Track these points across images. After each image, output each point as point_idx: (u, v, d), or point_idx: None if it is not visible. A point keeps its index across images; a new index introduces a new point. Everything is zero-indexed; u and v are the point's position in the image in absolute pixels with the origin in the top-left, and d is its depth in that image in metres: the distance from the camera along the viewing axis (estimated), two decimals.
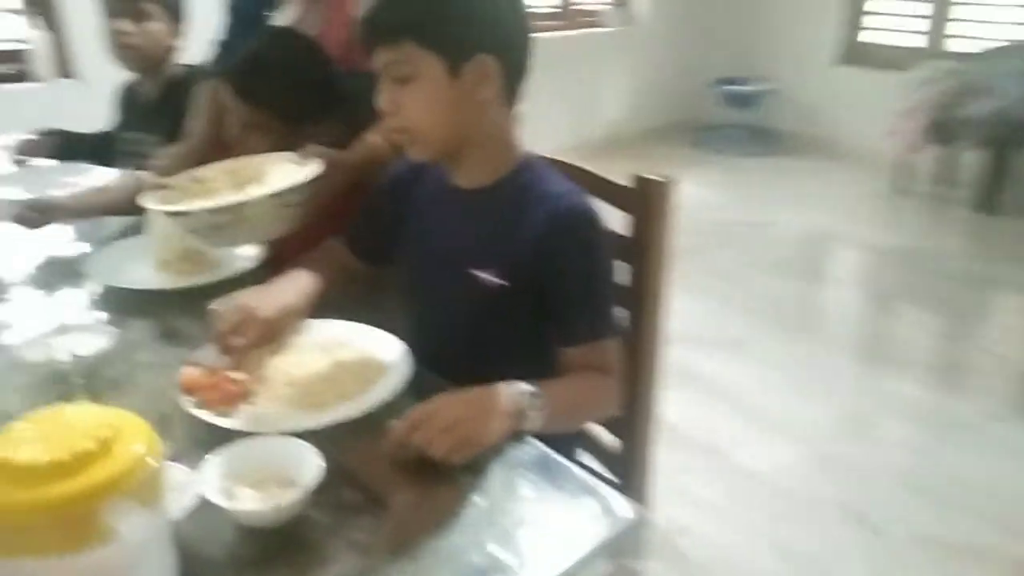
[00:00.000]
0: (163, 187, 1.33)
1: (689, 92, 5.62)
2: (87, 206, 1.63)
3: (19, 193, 1.80)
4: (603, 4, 5.26)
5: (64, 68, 3.14)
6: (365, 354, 1.10)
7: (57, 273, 1.47)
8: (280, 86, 1.44)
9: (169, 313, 1.30)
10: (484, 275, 1.13)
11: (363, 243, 1.32)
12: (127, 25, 1.87)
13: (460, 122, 1.10)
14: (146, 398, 1.01)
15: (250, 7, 1.62)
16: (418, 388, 1.03)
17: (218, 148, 1.55)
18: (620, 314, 1.23)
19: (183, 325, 1.26)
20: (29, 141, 2.06)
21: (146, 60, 1.92)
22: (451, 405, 0.94)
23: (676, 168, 4.76)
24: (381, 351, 1.10)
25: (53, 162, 2.04)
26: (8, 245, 1.58)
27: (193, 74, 1.90)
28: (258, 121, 1.45)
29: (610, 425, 1.34)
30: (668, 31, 5.44)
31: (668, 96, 5.64)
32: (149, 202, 1.28)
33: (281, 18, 1.52)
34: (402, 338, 1.13)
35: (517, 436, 0.97)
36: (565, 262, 1.10)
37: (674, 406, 2.35)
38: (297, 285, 1.18)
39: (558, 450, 0.96)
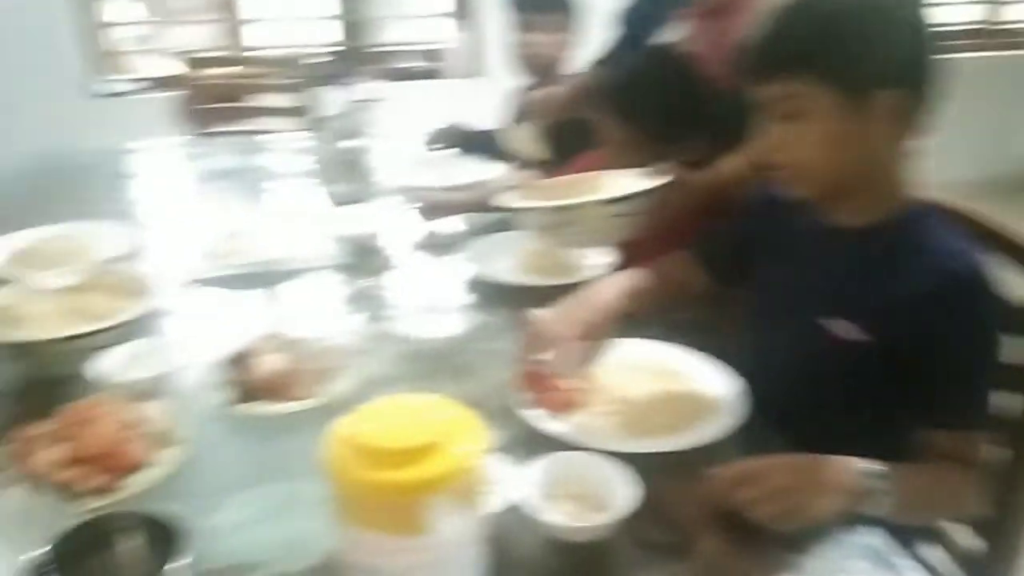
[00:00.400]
0: (522, 188, 1.43)
1: None
2: (465, 203, 1.78)
3: (425, 179, 2.06)
4: None
5: (475, 67, 3.52)
6: (697, 386, 1.06)
7: (436, 252, 1.65)
8: (649, 104, 1.46)
9: (530, 305, 1.38)
10: (838, 327, 1.02)
11: (714, 256, 1.27)
12: (529, 37, 2.04)
13: (851, 161, 0.99)
14: (489, 387, 1.08)
15: (637, 24, 1.65)
16: (746, 435, 0.98)
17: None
18: (1007, 399, 1.05)
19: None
20: (437, 132, 2.34)
21: (541, 68, 2.07)
22: (783, 470, 0.87)
23: None
24: (715, 386, 1.06)
25: (454, 153, 2.29)
26: (401, 220, 1.79)
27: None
28: (627, 136, 1.49)
29: (972, 522, 1.15)
30: None
31: None
32: (507, 200, 1.38)
33: (669, 35, 1.52)
34: (737, 374, 1.07)
35: (850, 518, 0.87)
36: (948, 334, 0.96)
37: None
38: (617, 285, 1.17)
39: (896, 540, 0.85)
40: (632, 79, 1.48)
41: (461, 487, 0.58)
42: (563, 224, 1.31)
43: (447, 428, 0.60)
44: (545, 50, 2.06)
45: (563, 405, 1.03)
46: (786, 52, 0.97)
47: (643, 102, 1.46)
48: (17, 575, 0.73)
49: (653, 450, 0.94)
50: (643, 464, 0.90)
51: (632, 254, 1.47)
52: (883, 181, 1.02)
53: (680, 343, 1.18)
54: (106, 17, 3.21)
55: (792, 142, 1.00)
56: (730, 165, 1.37)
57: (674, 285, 1.26)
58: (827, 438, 0.90)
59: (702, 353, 1.14)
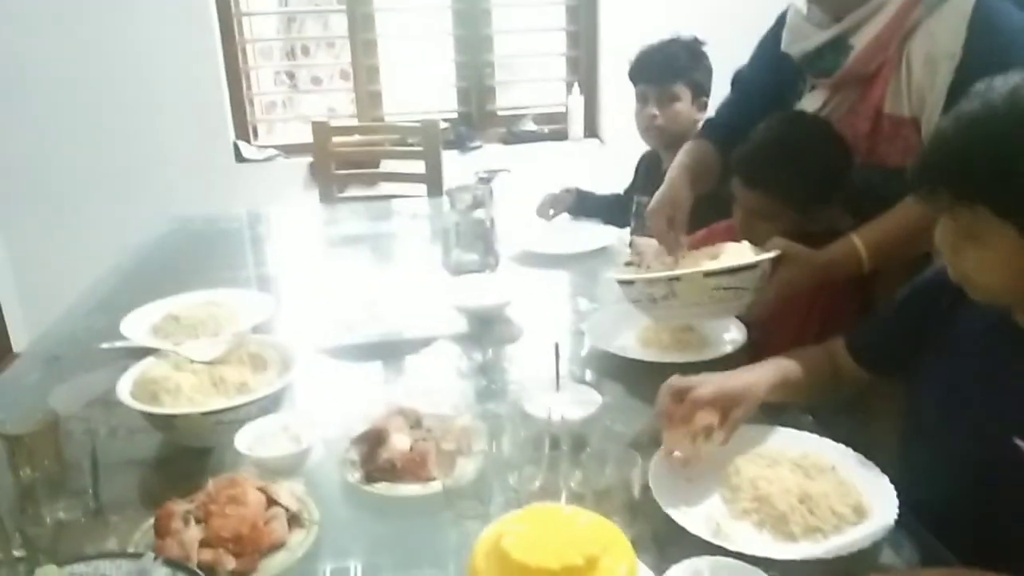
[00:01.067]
0: (633, 262, 1.44)
1: None
2: None
3: (541, 246, 2.07)
4: None
5: (592, 129, 3.54)
6: (846, 485, 0.99)
7: (560, 325, 1.64)
8: (791, 172, 1.41)
9: (649, 384, 1.34)
10: None
11: (866, 345, 1.20)
12: (656, 110, 2.04)
13: None
14: (619, 478, 1.05)
15: (763, 89, 1.61)
16: (902, 543, 0.90)
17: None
18: None
19: (647, 400, 1.29)
20: (552, 196, 2.35)
21: (670, 138, 2.05)
22: None
23: None
24: (865, 486, 0.99)
25: (567, 217, 2.30)
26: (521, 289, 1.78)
27: None
28: (763, 207, 1.44)
29: None
30: None
31: None
32: (614, 272, 1.38)
33: (806, 103, 1.48)
34: (892, 474, 0.99)
35: None
36: None
37: None
38: (762, 370, 1.14)
39: None
40: (770, 147, 1.45)
41: None
42: (664, 297, 1.29)
43: (598, 545, 0.58)
44: (669, 121, 2.05)
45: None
46: (965, 181, 0.89)
47: (782, 171, 1.42)
48: None
49: (796, 557, 0.88)
50: (786, 570, 0.84)
51: (760, 333, 1.43)
52: None
53: (830, 435, 1.11)
54: (252, 88, 3.43)
55: (967, 257, 0.93)
56: (851, 243, 1.33)
57: (825, 374, 1.19)
58: (999, 557, 0.82)
59: (853, 448, 1.07)
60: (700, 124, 2.03)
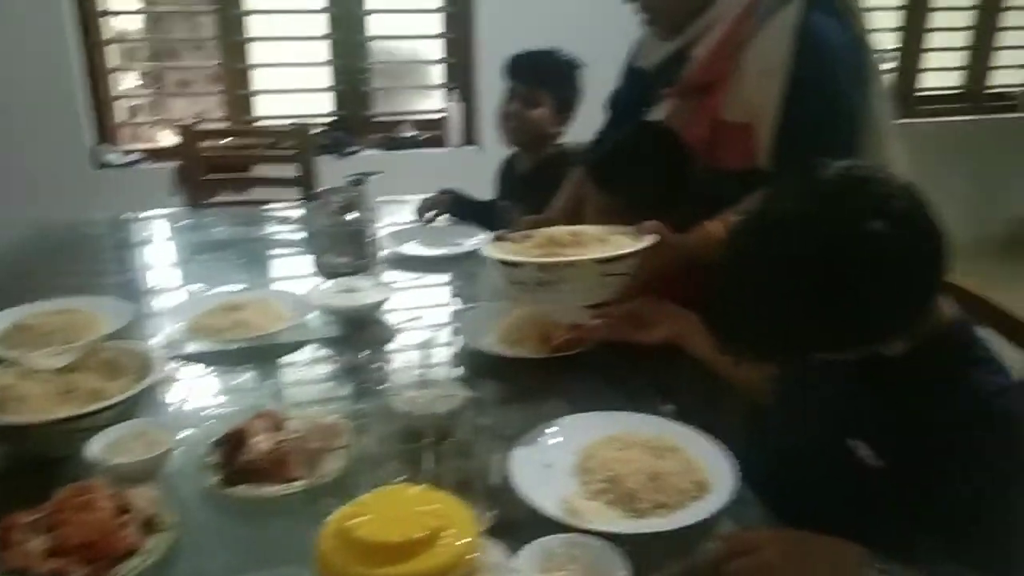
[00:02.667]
0: (504, 239, 1.44)
1: None
2: None
3: (416, 248, 2.10)
4: (1018, 87, 4.61)
5: (471, 136, 3.59)
6: (691, 463, 1.06)
7: (434, 325, 1.66)
8: (636, 176, 1.49)
9: (519, 378, 1.39)
10: (863, 450, 0.98)
11: None
12: (517, 107, 2.10)
13: None
14: (481, 466, 1.08)
15: (626, 103, 1.71)
16: (743, 516, 0.98)
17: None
18: None
19: (528, 391, 1.35)
20: (431, 199, 2.37)
21: (524, 137, 2.12)
22: (776, 546, 0.87)
23: None
24: (709, 464, 1.06)
25: (447, 220, 2.33)
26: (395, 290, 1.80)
27: (565, 155, 2.06)
28: (613, 208, 1.52)
29: None
30: None
31: None
32: (488, 250, 1.38)
33: (654, 113, 1.57)
34: (739, 451, 1.07)
35: None
36: (979, 479, 0.89)
37: None
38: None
39: None
40: (619, 152, 1.53)
41: None
42: (552, 282, 1.31)
43: (440, 520, 0.60)
44: (528, 123, 2.12)
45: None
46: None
47: (628, 174, 1.49)
48: None
49: (644, 531, 0.94)
50: (635, 543, 0.90)
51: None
52: None
53: (678, 419, 1.18)
54: (113, 90, 3.28)
55: None
56: (709, 229, 1.41)
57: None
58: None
59: (698, 429, 1.14)
60: (557, 137, 2.14)
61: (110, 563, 0.88)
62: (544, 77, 2.12)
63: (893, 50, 4.28)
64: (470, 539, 0.61)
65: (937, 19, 4.27)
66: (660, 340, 1.26)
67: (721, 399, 1.36)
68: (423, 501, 0.62)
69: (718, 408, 1.33)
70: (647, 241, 1.32)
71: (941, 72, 4.44)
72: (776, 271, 0.89)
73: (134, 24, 3.56)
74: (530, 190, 2.11)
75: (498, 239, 1.45)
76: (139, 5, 3.55)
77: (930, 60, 4.36)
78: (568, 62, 2.16)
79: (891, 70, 4.33)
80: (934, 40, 4.29)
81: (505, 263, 1.34)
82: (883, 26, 4.21)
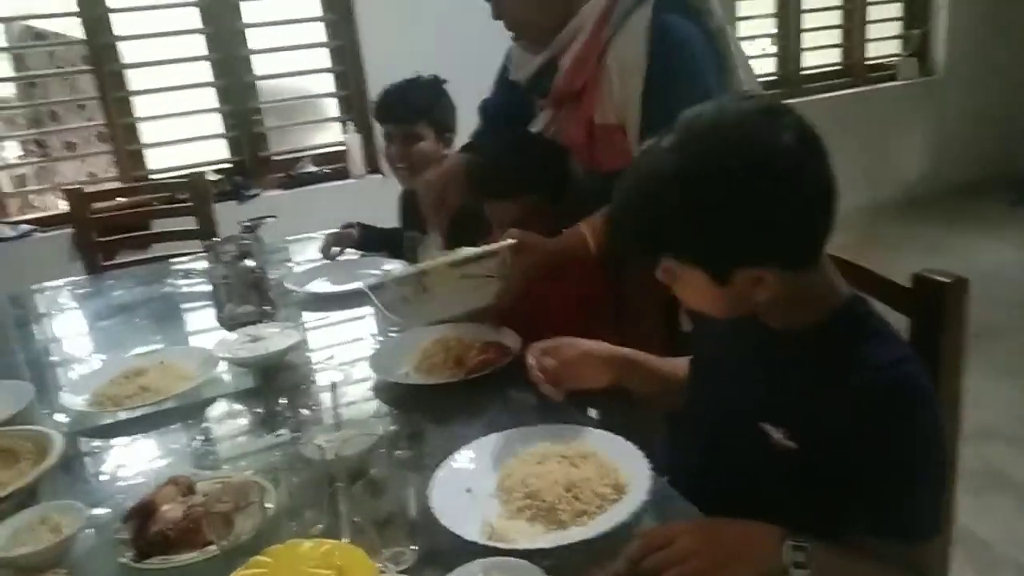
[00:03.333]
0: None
1: (1003, 144, 4.94)
2: None
3: (324, 285, 2.07)
4: (895, 57, 4.85)
5: (372, 165, 3.57)
6: (606, 467, 1.07)
7: (347, 362, 1.64)
8: (523, 184, 1.56)
9: (437, 405, 1.39)
10: (775, 433, 1.00)
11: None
12: (398, 148, 2.12)
13: (740, 309, 0.99)
14: (402, 500, 1.07)
15: (501, 113, 1.75)
16: (662, 511, 0.99)
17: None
18: None
19: (446, 417, 1.34)
20: (335, 234, 2.35)
21: (416, 174, 2.12)
22: (692, 535, 0.89)
23: (990, 229, 4.24)
24: (624, 465, 1.07)
25: (355, 254, 2.30)
26: (306, 331, 1.77)
27: None
28: (510, 215, 1.56)
29: None
30: (972, 79, 4.85)
31: (977, 150, 5.00)
32: (362, 283, 1.43)
33: (536, 123, 1.61)
34: (657, 447, 1.09)
35: None
36: (883, 449, 0.91)
37: (983, 519, 2.03)
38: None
39: None
40: (506, 162, 1.59)
41: None
42: (415, 294, 1.35)
43: (335, 570, 0.59)
44: (414, 159, 2.11)
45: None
46: (647, 239, 0.98)
47: (505, 181, 1.56)
48: None
49: (566, 542, 0.94)
50: (560, 554, 0.90)
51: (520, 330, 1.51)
52: (799, 295, 0.97)
53: (594, 424, 1.20)
54: None
55: (682, 295, 1.02)
56: (578, 233, 1.47)
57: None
58: None
59: (614, 432, 1.15)
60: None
61: None
62: (414, 110, 2.12)
63: (772, 34, 4.45)
64: None
65: (810, 0, 4.46)
66: (605, 385, 1.26)
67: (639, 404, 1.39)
68: (318, 554, 0.61)
69: (638, 413, 1.35)
70: (505, 243, 1.37)
71: (820, 51, 4.63)
72: (696, 183, 0.91)
73: (8, 90, 3.44)
74: None
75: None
76: (10, 72, 3.42)
77: (807, 40, 4.55)
78: (431, 84, 2.16)
79: (771, 54, 4.50)
80: (809, 21, 4.48)
81: (372, 288, 1.40)
82: (759, 12, 4.38)
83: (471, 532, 0.98)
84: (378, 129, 3.40)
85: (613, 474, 1.05)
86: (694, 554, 0.86)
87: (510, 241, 1.38)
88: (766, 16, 4.39)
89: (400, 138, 2.12)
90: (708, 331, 1.17)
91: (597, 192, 1.47)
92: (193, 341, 1.84)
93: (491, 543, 0.94)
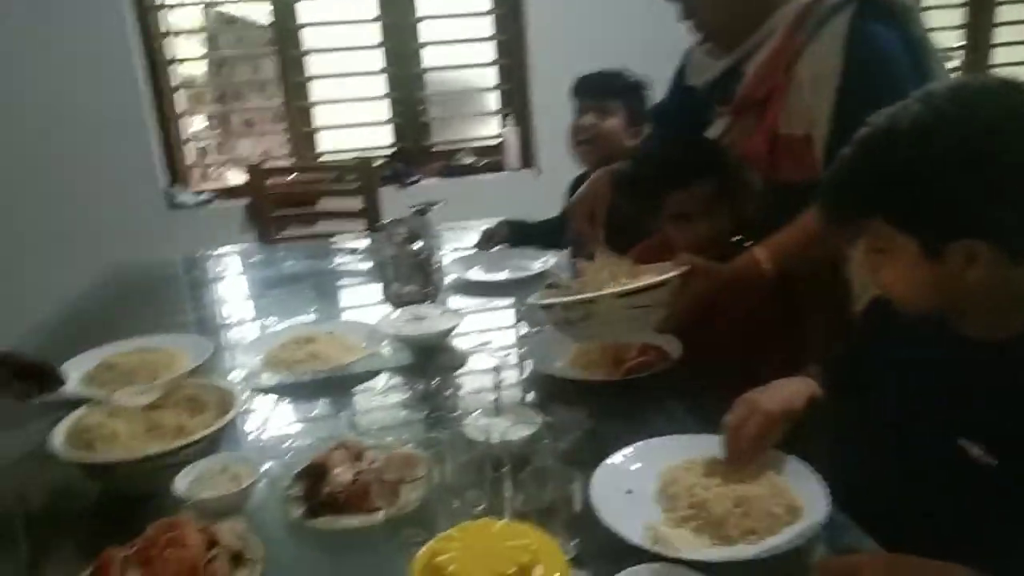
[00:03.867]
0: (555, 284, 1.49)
1: None
2: None
3: (479, 273, 2.11)
4: None
5: (528, 160, 3.60)
6: (779, 487, 1.02)
7: (503, 349, 1.65)
8: (691, 164, 1.51)
9: (592, 402, 1.38)
10: (974, 449, 0.94)
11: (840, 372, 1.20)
12: (591, 119, 2.09)
13: (948, 297, 0.94)
14: (559, 495, 1.06)
15: (673, 119, 1.71)
16: (837, 540, 0.94)
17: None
18: None
19: (602, 415, 1.33)
20: (489, 230, 2.39)
21: (600, 155, 2.11)
22: (874, 569, 0.83)
23: None
24: (798, 487, 1.02)
25: (506, 247, 2.34)
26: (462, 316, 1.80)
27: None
28: (687, 206, 1.52)
29: None
30: None
31: None
32: (537, 295, 1.44)
33: (712, 131, 1.57)
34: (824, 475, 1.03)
35: None
36: None
37: None
38: (803, 385, 1.15)
39: None
40: (679, 149, 1.55)
41: None
42: (580, 319, 1.33)
43: (529, 555, 0.59)
44: (601, 134, 2.10)
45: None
46: (859, 196, 0.95)
47: (696, 164, 1.50)
48: None
49: (735, 558, 0.91)
50: (725, 572, 0.87)
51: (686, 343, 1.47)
52: (1004, 300, 0.94)
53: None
54: (183, 133, 3.41)
55: (882, 277, 0.98)
56: (752, 258, 1.40)
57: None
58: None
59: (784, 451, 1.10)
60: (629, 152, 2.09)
61: None
62: (616, 89, 2.13)
63: (958, 48, 4.16)
64: (559, 574, 0.59)
65: (1004, 13, 4.13)
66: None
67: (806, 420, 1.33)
68: (511, 535, 0.61)
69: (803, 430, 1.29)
70: (671, 272, 1.32)
71: (1011, 67, 4.28)
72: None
73: (200, 69, 3.70)
74: None
75: (549, 286, 1.52)
76: (203, 51, 3.68)
77: (998, 56, 4.21)
78: (636, 78, 2.16)
79: (956, 68, 4.20)
80: (1001, 35, 4.15)
81: (541, 306, 1.41)
82: (946, 24, 4.10)
83: (633, 534, 0.96)
84: (538, 121, 3.49)
85: (787, 495, 1.01)
86: None
87: (681, 269, 1.33)
88: (952, 28, 4.10)
89: (593, 111, 2.12)
90: (890, 342, 1.10)
91: (775, 205, 1.42)
92: (354, 316, 1.91)
93: (655, 549, 0.92)
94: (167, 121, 3.32)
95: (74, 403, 1.29)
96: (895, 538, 0.92)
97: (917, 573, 0.85)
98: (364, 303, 1.95)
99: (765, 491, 1.01)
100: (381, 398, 1.48)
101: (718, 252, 1.44)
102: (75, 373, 1.53)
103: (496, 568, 0.56)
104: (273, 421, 1.41)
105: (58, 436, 1.18)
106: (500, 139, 3.58)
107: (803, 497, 1.00)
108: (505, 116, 3.58)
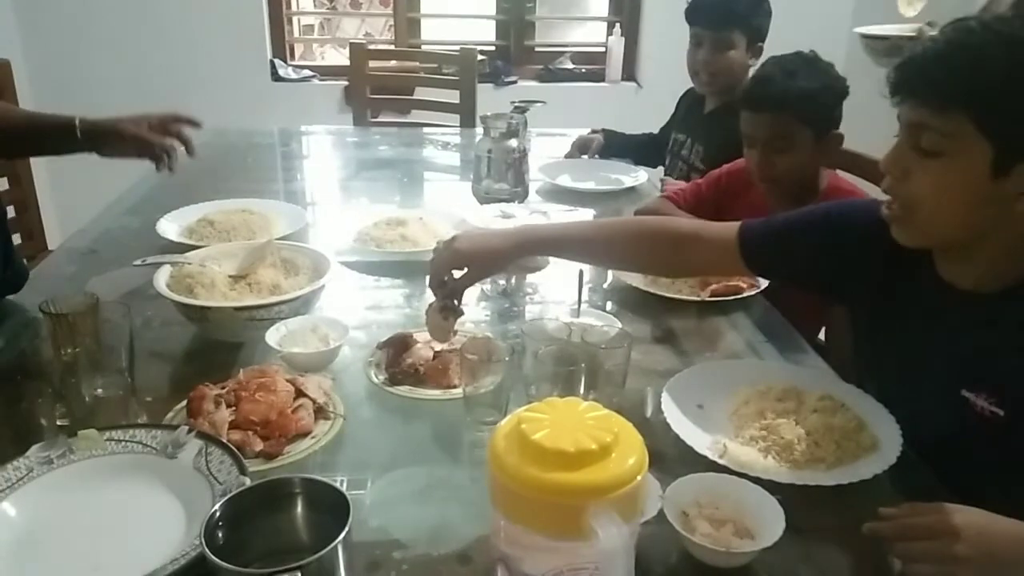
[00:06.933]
0: None
1: None
2: None
3: (567, 180, 2.09)
4: None
5: (631, 73, 3.50)
6: (854, 421, 1.02)
7: None
8: (800, 93, 1.49)
9: (671, 317, 1.38)
10: (979, 400, 0.93)
11: (758, 238, 1.13)
12: (706, 54, 2.00)
13: (980, 223, 0.90)
14: (632, 401, 1.08)
15: None
16: (904, 478, 0.93)
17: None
18: None
19: (679, 332, 1.34)
20: (582, 138, 2.35)
21: (719, 86, 2.03)
22: (969, 542, 0.77)
23: None
24: (872, 422, 1.02)
25: (597, 158, 2.30)
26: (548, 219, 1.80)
27: None
28: (776, 131, 1.52)
29: None
30: None
31: None
32: None
33: None
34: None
35: None
36: None
37: None
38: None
39: None
40: (780, 74, 1.52)
41: (624, 498, 0.58)
42: None
43: (612, 436, 0.60)
44: (721, 68, 2.00)
45: None
46: (952, 83, 0.86)
47: (788, 92, 1.50)
48: (189, 531, 0.80)
49: (804, 482, 0.91)
50: (786, 495, 0.87)
51: None
52: (1017, 246, 0.91)
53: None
54: (290, 7, 3.41)
55: (918, 178, 0.91)
56: None
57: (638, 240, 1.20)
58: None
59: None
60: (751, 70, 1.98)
61: (283, 442, 0.95)
62: (734, 17, 1.98)
63: None
64: (638, 458, 0.61)
65: None
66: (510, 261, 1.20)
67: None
68: (592, 415, 0.62)
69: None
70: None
71: None
72: None
73: None
74: (717, 128, 2.03)
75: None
76: None
77: None
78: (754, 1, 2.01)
79: None
80: None
81: None
82: None
83: (701, 446, 0.97)
84: (646, 35, 3.37)
85: (860, 429, 1.00)
86: (966, 563, 0.76)
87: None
88: None
89: (711, 44, 2.00)
90: (896, 300, 1.06)
91: None
92: (439, 207, 1.92)
93: (723, 462, 0.93)
94: None
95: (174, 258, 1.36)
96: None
97: (1010, 549, 0.79)
98: (452, 195, 1.96)
99: (837, 422, 1.00)
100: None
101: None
102: (176, 225, 1.61)
103: (580, 443, 0.58)
104: (359, 294, 1.45)
105: (161, 278, 1.24)
106: (604, 48, 3.48)
107: (877, 434, 0.99)
108: (612, 24, 3.47)
